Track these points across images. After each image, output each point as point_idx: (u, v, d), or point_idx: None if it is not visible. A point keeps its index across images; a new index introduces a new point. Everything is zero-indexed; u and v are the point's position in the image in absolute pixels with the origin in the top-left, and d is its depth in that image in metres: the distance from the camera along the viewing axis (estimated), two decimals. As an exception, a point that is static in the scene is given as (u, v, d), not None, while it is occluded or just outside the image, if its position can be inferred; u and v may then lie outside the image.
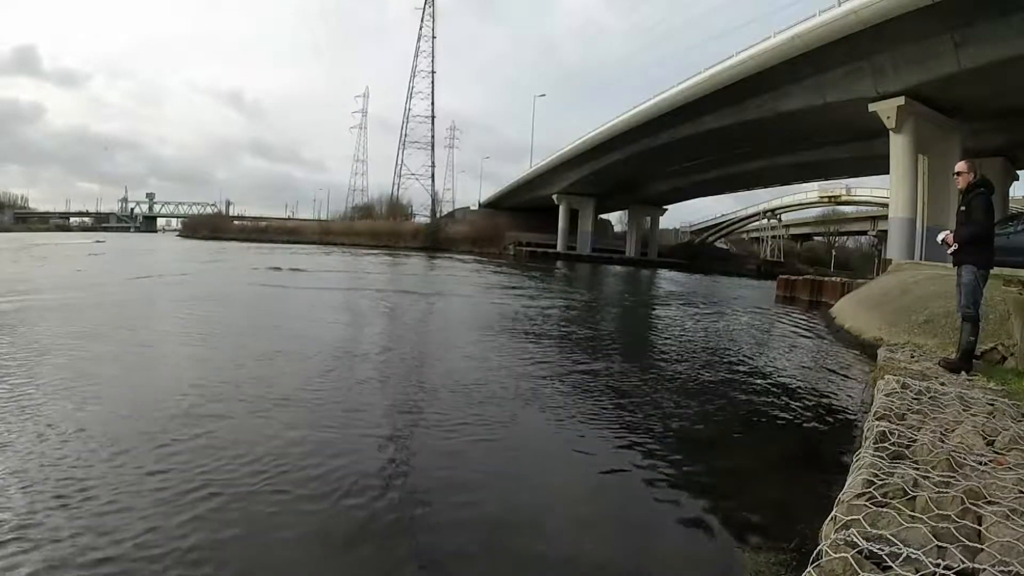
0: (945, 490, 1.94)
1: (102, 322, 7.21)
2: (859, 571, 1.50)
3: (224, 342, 6.51)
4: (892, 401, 3.21)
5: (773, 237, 55.93)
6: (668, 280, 27.93)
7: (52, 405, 3.77)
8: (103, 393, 4.15)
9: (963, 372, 4.27)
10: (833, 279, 18.97)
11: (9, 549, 2.13)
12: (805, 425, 4.52)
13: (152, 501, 2.56)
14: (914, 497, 1.93)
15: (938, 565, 1.52)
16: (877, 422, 2.77)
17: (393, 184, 64.33)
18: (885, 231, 27.36)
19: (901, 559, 1.55)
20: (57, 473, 2.79)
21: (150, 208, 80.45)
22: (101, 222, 76.10)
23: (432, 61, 62.52)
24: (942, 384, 3.83)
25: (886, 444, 2.45)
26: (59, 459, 2.95)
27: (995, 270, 4.82)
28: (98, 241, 37.76)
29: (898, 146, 17.41)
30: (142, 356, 5.67)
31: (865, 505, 1.87)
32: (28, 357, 5.06)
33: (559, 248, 45.78)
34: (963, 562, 1.53)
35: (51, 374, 4.55)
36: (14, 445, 3.10)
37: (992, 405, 3.24)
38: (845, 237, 56.17)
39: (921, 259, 15.84)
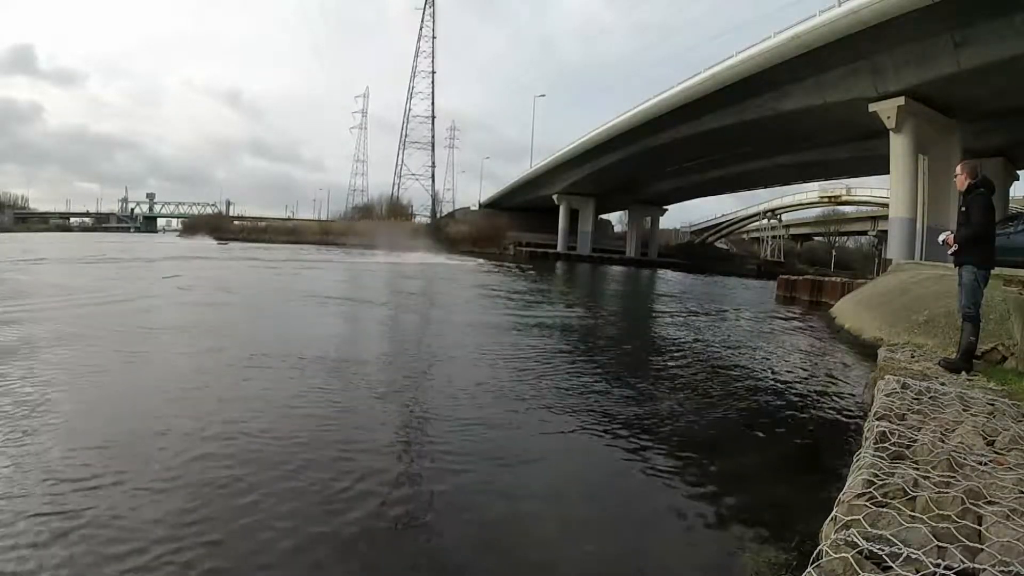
0: (945, 490, 1.94)
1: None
2: (859, 571, 1.50)
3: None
4: (892, 401, 3.20)
5: (773, 237, 55.91)
6: (668, 280, 27.91)
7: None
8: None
9: (963, 372, 4.27)
10: (833, 279, 18.99)
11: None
12: (805, 425, 4.52)
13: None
14: (914, 497, 1.93)
15: (938, 565, 1.52)
16: (877, 422, 2.77)
17: (393, 184, 64.67)
18: (885, 231, 27.37)
19: (901, 559, 1.55)
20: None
21: (150, 208, 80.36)
22: (101, 222, 75.97)
23: (432, 61, 62.81)
24: (942, 384, 3.83)
25: (886, 444, 2.45)
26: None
27: (995, 270, 4.83)
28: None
29: (898, 146, 17.42)
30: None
31: (865, 505, 1.87)
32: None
33: (559, 248, 45.73)
34: (963, 562, 1.53)
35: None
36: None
37: (992, 405, 3.24)
38: (845, 237, 56.16)
39: (921, 259, 15.84)
